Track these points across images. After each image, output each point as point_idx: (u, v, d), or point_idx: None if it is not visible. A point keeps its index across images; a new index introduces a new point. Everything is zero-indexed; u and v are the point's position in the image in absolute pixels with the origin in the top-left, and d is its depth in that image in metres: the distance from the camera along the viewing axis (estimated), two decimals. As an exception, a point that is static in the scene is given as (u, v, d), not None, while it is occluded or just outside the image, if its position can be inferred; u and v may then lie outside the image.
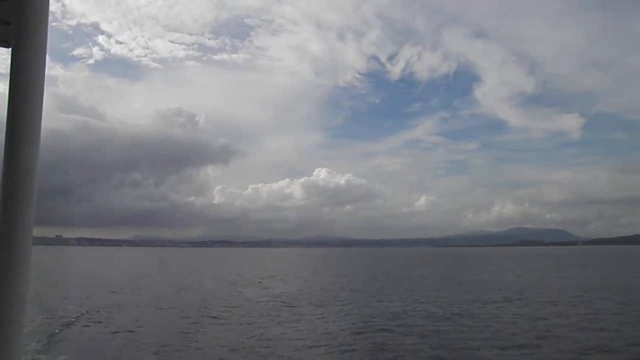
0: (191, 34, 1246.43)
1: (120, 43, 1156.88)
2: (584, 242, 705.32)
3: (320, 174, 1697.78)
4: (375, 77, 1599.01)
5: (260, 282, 53.81)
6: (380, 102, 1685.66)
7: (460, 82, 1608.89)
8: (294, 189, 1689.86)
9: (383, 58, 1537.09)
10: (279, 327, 24.41)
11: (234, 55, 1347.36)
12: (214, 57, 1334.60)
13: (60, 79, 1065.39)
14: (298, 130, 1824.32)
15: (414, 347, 19.61)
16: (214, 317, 27.51)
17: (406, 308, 30.88)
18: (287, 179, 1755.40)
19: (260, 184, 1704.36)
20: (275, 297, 36.41)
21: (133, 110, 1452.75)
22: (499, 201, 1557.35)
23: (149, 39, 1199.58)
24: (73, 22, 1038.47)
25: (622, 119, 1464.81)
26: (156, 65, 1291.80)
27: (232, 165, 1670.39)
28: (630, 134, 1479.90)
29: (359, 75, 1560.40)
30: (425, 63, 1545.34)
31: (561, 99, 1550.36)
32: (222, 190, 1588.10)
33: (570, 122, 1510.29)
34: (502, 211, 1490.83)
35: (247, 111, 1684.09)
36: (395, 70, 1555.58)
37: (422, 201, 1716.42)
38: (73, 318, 25.87)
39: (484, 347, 19.55)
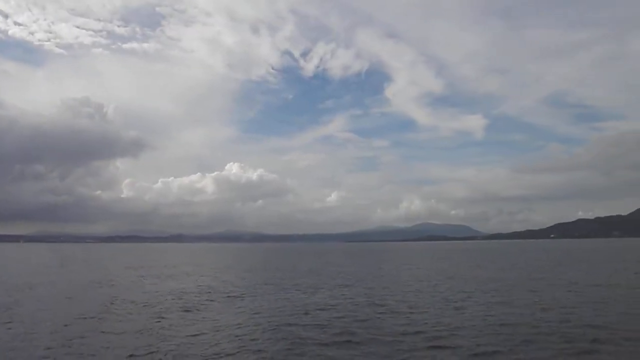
0: (99, 20, 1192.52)
1: (19, 25, 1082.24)
2: (483, 237, 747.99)
3: (232, 168, 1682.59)
4: (289, 72, 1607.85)
5: (158, 278, 53.63)
6: (293, 98, 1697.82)
7: (371, 81, 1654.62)
8: (206, 183, 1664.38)
9: (297, 54, 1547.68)
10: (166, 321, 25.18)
11: (144, 45, 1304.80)
12: (124, 45, 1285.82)
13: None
14: (210, 124, 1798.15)
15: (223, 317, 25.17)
16: (108, 315, 26.88)
17: (246, 290, 36.96)
18: (198, 173, 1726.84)
19: (171, 178, 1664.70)
20: (169, 293, 37.82)
21: (36, 98, 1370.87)
22: (408, 197, 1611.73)
23: (52, 23, 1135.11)
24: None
25: (521, 122, 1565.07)
26: (61, 51, 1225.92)
27: (142, 159, 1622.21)
28: (528, 135, 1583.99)
29: (272, 70, 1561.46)
30: (339, 61, 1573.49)
31: (466, 100, 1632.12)
32: (131, 184, 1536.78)
33: (475, 123, 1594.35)
34: (410, 207, 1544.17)
35: (158, 103, 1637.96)
36: (309, 67, 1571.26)
37: (333, 197, 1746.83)
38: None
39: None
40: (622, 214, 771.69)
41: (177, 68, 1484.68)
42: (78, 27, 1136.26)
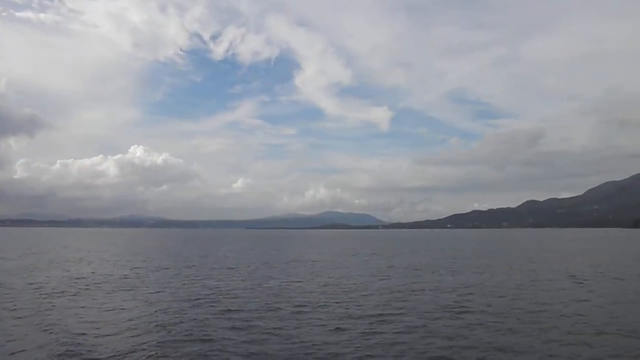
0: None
1: None
2: (385, 226, 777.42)
3: (137, 151, 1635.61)
4: (198, 55, 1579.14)
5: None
6: (202, 81, 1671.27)
7: (281, 68, 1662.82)
8: (108, 166, 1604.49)
9: (206, 36, 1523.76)
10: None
11: (41, 15, 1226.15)
12: (17, 14, 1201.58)
13: None
14: (114, 105, 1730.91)
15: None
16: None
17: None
18: (100, 156, 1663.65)
19: (70, 160, 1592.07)
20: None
21: None
22: (314, 186, 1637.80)
23: None
24: None
25: (424, 116, 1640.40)
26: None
27: (38, 138, 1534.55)
28: (430, 129, 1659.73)
29: (180, 52, 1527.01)
30: (249, 46, 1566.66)
31: (374, 92, 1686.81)
32: (25, 164, 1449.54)
33: (381, 115, 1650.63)
34: (315, 195, 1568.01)
35: (56, 79, 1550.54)
36: (219, 50, 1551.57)
37: (239, 183, 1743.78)
38: None
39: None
40: (512, 206, 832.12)
41: (79, 43, 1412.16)
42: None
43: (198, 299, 26.80)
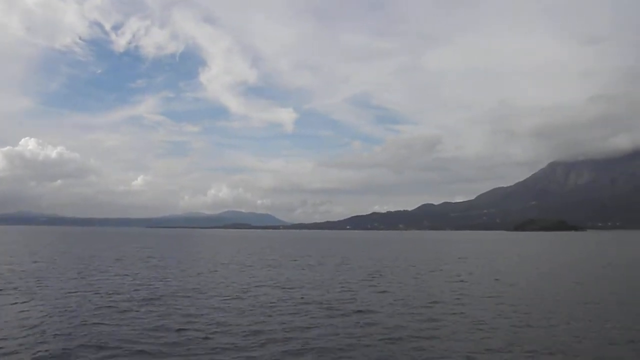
0: None
1: None
2: (286, 227, 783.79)
3: (28, 144, 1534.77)
4: (99, 45, 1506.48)
5: None
6: (102, 73, 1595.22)
7: (186, 64, 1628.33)
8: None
9: (108, 26, 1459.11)
10: None
11: None
12: None
13: None
14: (3, 93, 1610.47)
15: None
16: None
17: None
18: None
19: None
20: None
21: None
22: (216, 185, 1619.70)
23: None
24: None
25: (329, 119, 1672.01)
26: None
27: None
28: (334, 131, 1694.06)
29: (79, 41, 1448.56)
30: (153, 39, 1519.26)
31: (279, 93, 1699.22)
32: None
33: (286, 116, 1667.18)
34: (218, 195, 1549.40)
35: None
36: (121, 42, 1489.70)
37: (139, 180, 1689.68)
38: None
39: None
40: (409, 209, 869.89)
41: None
42: None
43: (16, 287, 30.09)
